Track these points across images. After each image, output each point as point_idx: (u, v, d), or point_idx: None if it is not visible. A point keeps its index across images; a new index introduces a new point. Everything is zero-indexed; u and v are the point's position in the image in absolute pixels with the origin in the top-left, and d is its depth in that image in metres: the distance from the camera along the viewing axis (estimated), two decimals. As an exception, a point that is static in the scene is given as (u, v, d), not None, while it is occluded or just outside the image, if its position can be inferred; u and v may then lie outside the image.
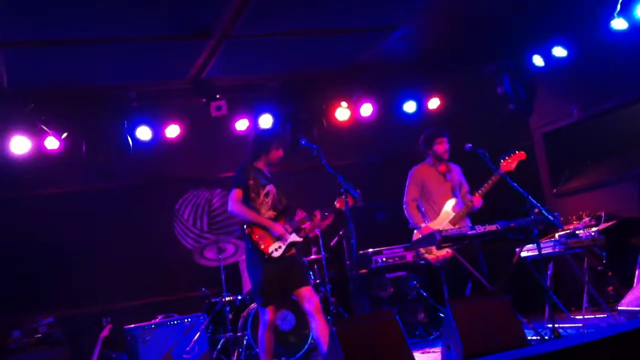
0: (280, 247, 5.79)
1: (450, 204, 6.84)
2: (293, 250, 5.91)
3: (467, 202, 6.82)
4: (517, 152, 6.69)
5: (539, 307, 6.94)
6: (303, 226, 6.05)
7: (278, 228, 5.80)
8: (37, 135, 7.99)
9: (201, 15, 6.81)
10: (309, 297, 5.78)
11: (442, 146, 6.95)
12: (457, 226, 6.57)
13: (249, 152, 6.12)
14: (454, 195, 6.94)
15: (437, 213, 6.92)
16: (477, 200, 6.68)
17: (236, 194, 5.83)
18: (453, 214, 6.76)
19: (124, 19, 6.58)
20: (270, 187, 5.96)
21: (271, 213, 5.91)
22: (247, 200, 5.87)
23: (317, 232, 7.92)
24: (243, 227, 5.87)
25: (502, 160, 6.62)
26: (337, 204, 6.03)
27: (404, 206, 7.06)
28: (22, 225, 8.32)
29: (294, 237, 5.91)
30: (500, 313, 5.23)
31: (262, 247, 5.75)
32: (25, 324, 7.58)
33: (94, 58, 7.37)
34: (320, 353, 6.03)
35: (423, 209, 7.05)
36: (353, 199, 5.91)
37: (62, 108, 8.18)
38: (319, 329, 5.67)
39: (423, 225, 6.83)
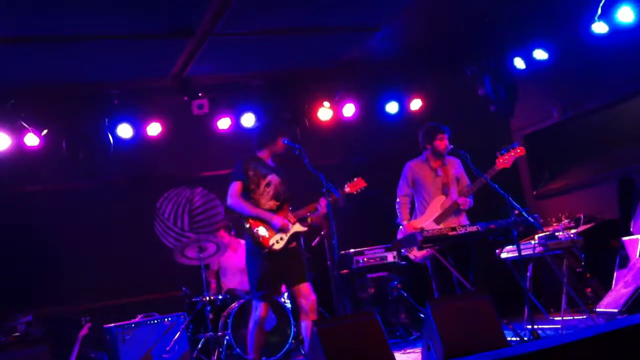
0: (282, 238, 5.72)
1: (438, 201, 6.69)
2: (294, 244, 5.83)
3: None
4: (516, 148, 6.53)
5: (518, 308, 6.97)
6: (313, 214, 5.92)
7: (278, 220, 5.71)
8: (17, 131, 7.92)
9: (183, 13, 6.78)
10: (306, 294, 5.73)
11: (443, 142, 6.74)
12: (442, 225, 6.44)
13: (255, 141, 6.05)
14: (445, 191, 6.71)
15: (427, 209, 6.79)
16: (462, 201, 6.52)
17: (234, 187, 5.79)
18: (440, 211, 6.63)
19: (106, 16, 6.53)
20: (271, 177, 5.88)
21: (272, 203, 5.84)
22: (247, 193, 5.81)
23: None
24: (243, 221, 5.79)
25: (499, 156, 6.47)
26: (347, 189, 6.02)
27: (396, 202, 6.96)
28: (0, 222, 8.23)
29: (297, 228, 5.83)
30: (480, 314, 5.25)
31: (262, 240, 5.68)
32: (4, 322, 7.50)
33: (75, 55, 7.32)
34: (305, 352, 5.99)
35: (416, 205, 6.86)
36: (335, 199, 5.90)
37: (43, 105, 8.13)
38: (310, 328, 5.52)
39: (405, 222, 6.75)
